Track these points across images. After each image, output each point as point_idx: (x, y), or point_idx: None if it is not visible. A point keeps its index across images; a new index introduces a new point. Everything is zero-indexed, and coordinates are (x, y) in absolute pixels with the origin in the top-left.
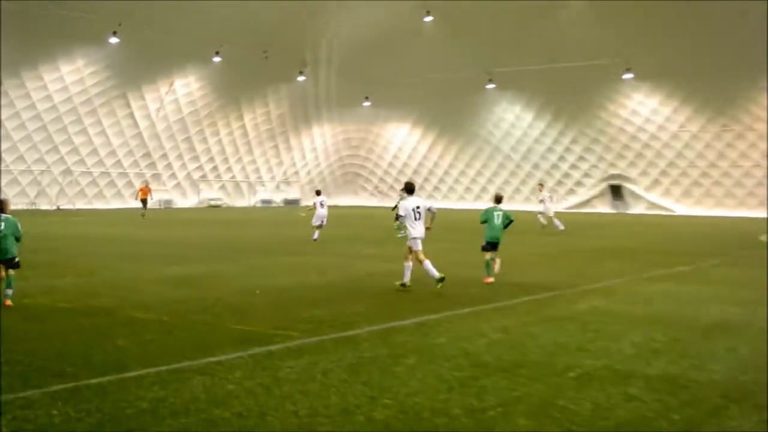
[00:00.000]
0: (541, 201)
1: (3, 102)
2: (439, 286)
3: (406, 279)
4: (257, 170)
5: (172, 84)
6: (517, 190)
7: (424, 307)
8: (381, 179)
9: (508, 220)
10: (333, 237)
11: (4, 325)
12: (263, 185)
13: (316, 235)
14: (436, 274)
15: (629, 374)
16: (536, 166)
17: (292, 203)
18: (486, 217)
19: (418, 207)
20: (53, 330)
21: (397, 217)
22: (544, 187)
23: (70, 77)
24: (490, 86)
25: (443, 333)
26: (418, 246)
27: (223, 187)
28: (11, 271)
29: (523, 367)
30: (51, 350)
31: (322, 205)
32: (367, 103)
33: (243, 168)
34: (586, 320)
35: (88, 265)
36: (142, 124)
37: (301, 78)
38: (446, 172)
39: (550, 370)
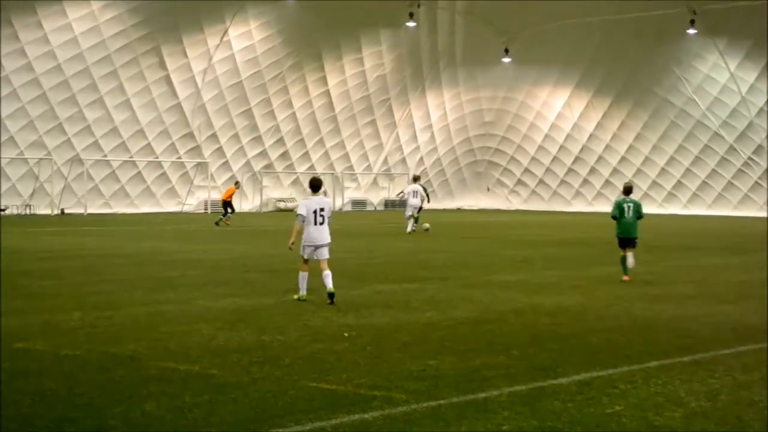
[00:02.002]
0: (400, 195)
1: None
2: (328, 302)
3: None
4: (346, 158)
5: (225, 33)
6: (727, 187)
7: (590, 360)
8: (526, 171)
9: (638, 213)
10: (460, 256)
11: None
12: (355, 180)
13: None
14: (330, 285)
15: None
16: (759, 151)
17: (395, 205)
18: (616, 211)
19: (322, 209)
20: (56, 388)
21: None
22: (420, 180)
23: (80, 25)
24: (692, 31)
25: (619, 398)
26: (312, 254)
27: (296, 182)
28: None
29: None
30: (52, 416)
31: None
32: (507, 59)
33: (326, 155)
34: None
35: (105, 296)
36: (183, 92)
37: (411, 24)
38: (623, 160)
39: None
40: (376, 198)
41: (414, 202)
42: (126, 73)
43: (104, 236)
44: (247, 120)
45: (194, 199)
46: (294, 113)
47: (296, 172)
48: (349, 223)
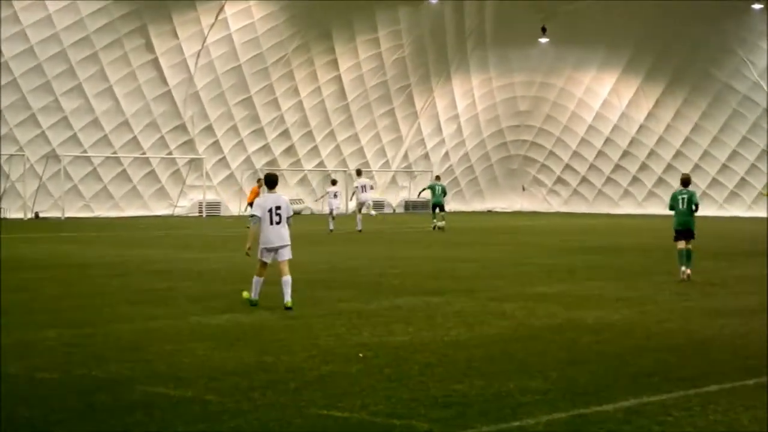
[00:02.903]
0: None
1: None
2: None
3: (254, 295)
4: (360, 153)
5: (221, 10)
6: None
7: (639, 383)
8: (567, 167)
9: (693, 204)
10: (490, 265)
11: None
12: (371, 178)
13: (331, 225)
14: (288, 298)
15: None
16: None
17: (417, 207)
18: (672, 202)
19: (278, 207)
20: (30, 415)
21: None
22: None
23: (55, 3)
24: (758, 6)
25: (673, 427)
26: (271, 257)
27: (304, 181)
28: None
29: None
30: None
31: (336, 195)
32: (544, 39)
33: (337, 150)
34: None
35: (85, 311)
36: (173, 78)
37: None
38: (678, 155)
39: None
40: (395, 199)
41: (363, 197)
42: (108, 57)
43: (84, 243)
44: (246, 110)
45: (187, 201)
46: (300, 102)
47: (303, 170)
48: (364, 228)
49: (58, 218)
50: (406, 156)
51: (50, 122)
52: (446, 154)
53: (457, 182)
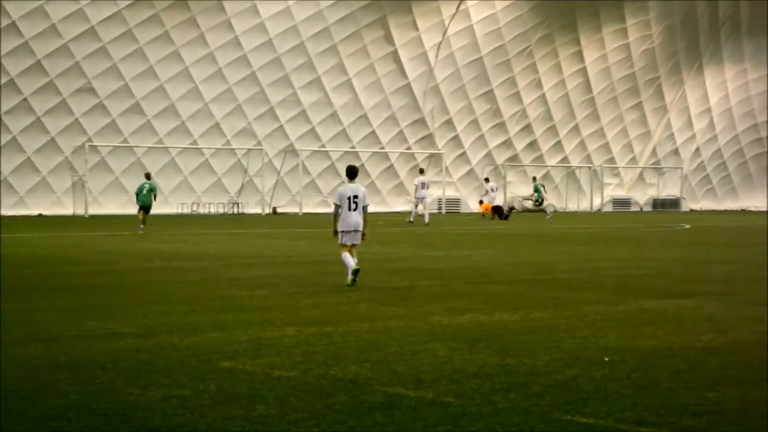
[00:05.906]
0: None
1: (187, 40)
2: (348, 281)
3: (352, 266)
4: (606, 149)
5: (462, 0)
6: None
7: None
8: None
9: None
10: (745, 268)
11: (191, 404)
12: (617, 175)
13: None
14: (352, 264)
15: None
16: None
17: (666, 205)
18: None
19: (356, 196)
20: (268, 414)
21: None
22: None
23: None
24: None
25: None
26: (349, 240)
27: (546, 177)
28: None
29: None
30: None
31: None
32: None
33: (581, 145)
34: None
35: (323, 309)
36: (413, 71)
37: None
38: None
39: None
40: (642, 196)
41: (422, 193)
42: (347, 50)
43: (321, 240)
44: (488, 104)
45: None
46: (544, 95)
47: (546, 166)
48: (610, 227)
49: (296, 214)
50: (654, 152)
51: (288, 116)
52: (697, 149)
53: (709, 180)
